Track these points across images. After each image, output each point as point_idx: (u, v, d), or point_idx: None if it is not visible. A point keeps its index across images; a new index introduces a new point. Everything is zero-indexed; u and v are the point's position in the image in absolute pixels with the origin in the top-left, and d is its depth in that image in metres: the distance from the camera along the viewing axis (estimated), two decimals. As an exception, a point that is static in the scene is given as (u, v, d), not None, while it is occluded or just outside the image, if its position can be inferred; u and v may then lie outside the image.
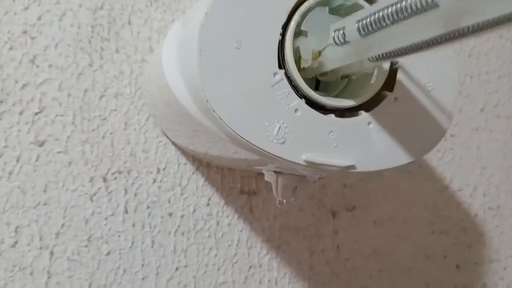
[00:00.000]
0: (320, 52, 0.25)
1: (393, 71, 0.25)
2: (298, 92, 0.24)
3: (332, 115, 0.24)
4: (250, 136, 0.23)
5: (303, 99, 0.24)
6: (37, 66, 0.33)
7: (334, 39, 0.24)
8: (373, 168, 0.25)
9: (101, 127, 0.34)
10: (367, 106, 0.25)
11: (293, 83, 0.24)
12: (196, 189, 0.36)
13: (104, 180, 0.34)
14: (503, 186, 0.44)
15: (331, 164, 0.24)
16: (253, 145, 0.23)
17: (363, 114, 0.25)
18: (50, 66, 0.33)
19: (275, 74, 0.23)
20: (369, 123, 0.25)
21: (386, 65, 0.25)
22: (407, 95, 0.25)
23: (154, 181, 0.35)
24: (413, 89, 0.26)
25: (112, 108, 0.34)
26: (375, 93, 0.25)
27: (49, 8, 0.33)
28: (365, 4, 0.25)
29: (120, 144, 0.34)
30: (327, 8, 0.25)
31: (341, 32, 0.23)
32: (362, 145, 0.25)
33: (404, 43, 0.20)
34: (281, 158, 0.23)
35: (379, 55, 0.22)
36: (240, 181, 0.37)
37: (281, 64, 0.24)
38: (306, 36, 0.25)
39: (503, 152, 0.44)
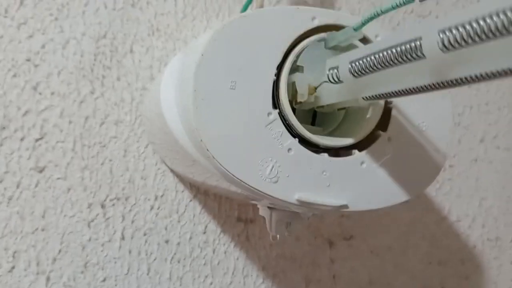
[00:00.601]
0: (316, 88, 0.25)
1: (387, 110, 0.26)
2: (292, 131, 0.24)
3: (326, 155, 0.25)
4: (243, 175, 0.23)
5: (296, 139, 0.24)
6: (40, 93, 0.33)
7: (328, 77, 0.24)
8: (366, 208, 0.25)
9: (101, 153, 0.34)
10: (361, 145, 0.25)
11: (286, 122, 0.24)
12: (193, 217, 0.36)
13: (102, 206, 0.34)
14: (502, 218, 0.44)
15: (323, 203, 0.24)
16: (246, 184, 0.23)
17: (356, 154, 0.25)
18: (52, 93, 0.34)
19: (269, 114, 0.23)
20: (362, 162, 0.25)
21: (381, 103, 0.25)
22: (401, 135, 0.26)
23: (152, 208, 0.36)
24: (407, 128, 0.26)
25: (112, 135, 0.35)
26: (369, 132, 0.25)
27: (53, 37, 0.34)
28: (360, 44, 0.25)
29: (119, 171, 0.35)
30: (323, 42, 0.26)
31: (335, 71, 0.23)
32: (355, 184, 0.25)
33: (395, 88, 0.21)
34: (273, 197, 0.23)
35: (371, 96, 0.22)
36: (237, 209, 0.37)
37: (276, 103, 0.24)
38: (302, 72, 0.25)
39: (502, 183, 0.44)
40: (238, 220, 0.37)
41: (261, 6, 0.33)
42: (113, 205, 0.35)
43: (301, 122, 0.28)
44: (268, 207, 0.27)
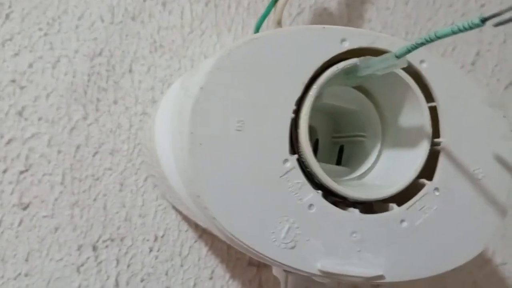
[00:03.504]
0: None
1: (434, 153, 0.21)
2: (314, 181, 0.19)
3: (356, 211, 0.20)
4: (251, 240, 0.18)
5: (319, 191, 0.19)
6: (25, 119, 0.29)
7: None
8: (406, 278, 0.20)
9: (94, 188, 0.30)
10: (400, 198, 0.20)
11: (307, 169, 0.19)
12: (198, 260, 0.32)
13: (94, 248, 0.30)
14: (556, 262, 0.38)
15: (353, 274, 0.19)
16: (255, 251, 0.18)
17: (395, 209, 0.20)
18: (39, 119, 0.29)
19: (285, 161, 0.19)
20: (402, 220, 0.20)
21: (426, 144, 0.20)
22: (451, 185, 0.20)
23: (151, 250, 0.31)
24: (458, 177, 0.21)
25: (107, 167, 0.30)
26: (411, 181, 0.20)
27: (42, 54, 0.29)
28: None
29: (114, 208, 0.30)
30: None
31: None
32: (393, 249, 0.20)
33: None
34: (290, 266, 0.18)
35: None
36: (249, 251, 0.32)
37: (294, 148, 0.19)
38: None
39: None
40: (249, 264, 0.33)
41: (279, 21, 0.28)
42: (107, 246, 0.30)
43: (324, 161, 0.23)
44: (284, 270, 0.22)
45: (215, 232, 0.21)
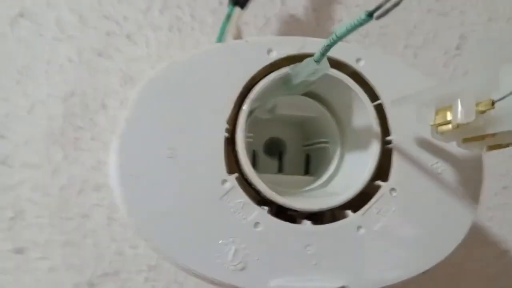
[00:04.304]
0: (493, 102, 0.14)
1: (386, 153, 0.20)
2: (260, 195, 0.19)
3: (308, 223, 0.19)
4: (199, 266, 0.18)
5: (265, 208, 0.19)
6: (9, 167, 0.30)
7: None
8: (374, 286, 0.19)
9: (82, 225, 0.31)
10: (356, 203, 0.19)
11: (252, 186, 0.19)
12: (196, 285, 0.32)
13: (90, 285, 0.30)
14: None
15: (311, 289, 0.18)
16: (205, 276, 0.18)
17: (350, 216, 0.19)
18: (22, 165, 0.30)
19: (223, 181, 0.18)
20: (359, 227, 0.19)
21: (377, 145, 0.19)
22: (409, 184, 0.19)
23: (146, 280, 0.31)
24: (416, 174, 0.19)
25: (93, 203, 0.31)
26: (364, 185, 0.19)
27: (17, 103, 0.31)
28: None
29: (104, 242, 0.31)
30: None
31: None
32: (352, 257, 0.19)
33: None
34: (241, 288, 0.18)
35: None
36: (244, 270, 0.32)
37: (234, 165, 0.19)
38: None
39: None
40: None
41: (237, 36, 0.28)
42: (101, 282, 0.31)
43: (292, 172, 0.22)
44: None
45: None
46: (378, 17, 0.13)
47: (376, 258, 0.19)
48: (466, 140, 0.16)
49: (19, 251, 0.30)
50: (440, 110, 0.15)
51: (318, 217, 0.19)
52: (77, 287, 0.30)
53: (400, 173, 0.19)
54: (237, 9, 0.26)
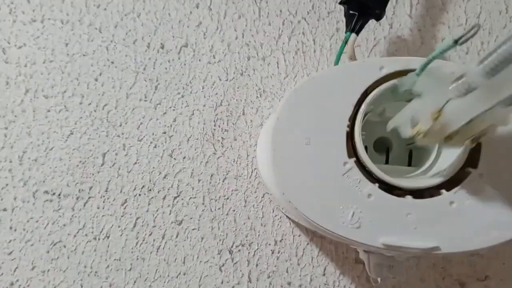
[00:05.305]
0: (440, 111, 0.21)
1: (476, 145, 0.25)
2: (372, 176, 0.25)
3: (409, 197, 0.25)
4: (325, 223, 0.25)
5: (376, 184, 0.25)
6: (174, 159, 0.40)
7: (454, 92, 0.20)
8: (462, 249, 0.24)
9: (225, 205, 0.39)
10: (449, 184, 0.25)
11: (366, 169, 0.25)
12: (312, 260, 0.38)
13: (230, 252, 0.39)
14: None
15: (411, 246, 0.24)
16: (329, 230, 0.25)
17: (444, 194, 0.25)
18: (184, 157, 0.40)
19: (345, 163, 0.25)
20: (451, 202, 0.24)
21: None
22: (494, 170, 0.24)
23: (273, 252, 0.39)
24: (501, 163, 0.24)
25: (234, 189, 0.39)
26: (456, 171, 0.25)
27: (182, 111, 0.41)
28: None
29: (241, 220, 0.39)
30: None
31: (462, 80, 0.20)
32: (445, 225, 0.24)
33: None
34: (357, 242, 0.24)
35: None
36: (354, 251, 0.38)
37: (352, 152, 0.25)
38: (420, 97, 0.23)
39: None
40: (356, 262, 0.38)
41: (351, 56, 0.35)
42: (239, 250, 0.39)
43: (397, 164, 0.28)
44: (364, 251, 0.28)
45: (303, 222, 0.28)
46: (461, 44, 0.19)
47: (463, 227, 0.24)
48: (445, 140, 0.23)
49: (179, 223, 0.40)
50: (415, 125, 0.22)
51: (417, 194, 0.25)
52: (221, 253, 0.39)
53: (488, 161, 0.24)
54: (353, 35, 0.33)
